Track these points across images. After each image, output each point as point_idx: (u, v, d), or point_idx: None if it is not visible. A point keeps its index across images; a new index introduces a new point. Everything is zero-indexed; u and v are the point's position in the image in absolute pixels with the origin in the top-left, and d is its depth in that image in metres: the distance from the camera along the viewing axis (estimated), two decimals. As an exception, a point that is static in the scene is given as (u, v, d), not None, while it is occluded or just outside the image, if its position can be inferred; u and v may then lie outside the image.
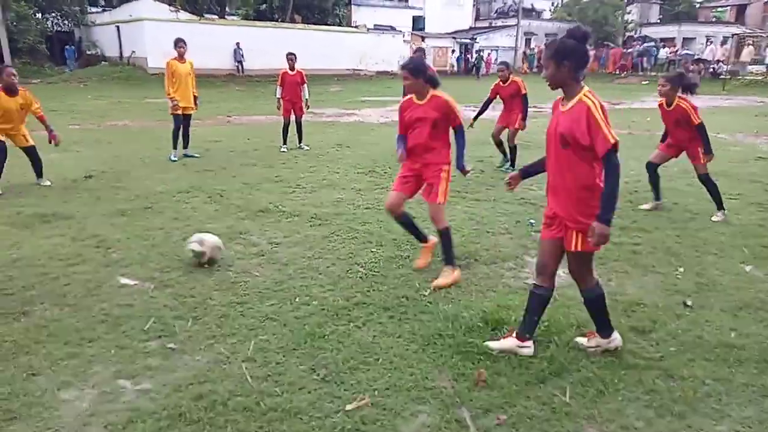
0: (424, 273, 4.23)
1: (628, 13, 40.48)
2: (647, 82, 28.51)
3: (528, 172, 3.24)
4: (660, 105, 5.85)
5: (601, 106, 2.67)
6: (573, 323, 3.43)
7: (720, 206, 5.70)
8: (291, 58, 9.28)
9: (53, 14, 30.68)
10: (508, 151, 7.92)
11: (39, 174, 6.85)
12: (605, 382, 2.87)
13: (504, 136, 7.96)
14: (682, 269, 4.40)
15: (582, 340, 3.19)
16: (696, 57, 30.94)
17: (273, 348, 3.16)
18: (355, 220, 5.54)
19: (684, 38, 37.84)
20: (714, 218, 5.64)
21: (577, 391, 2.80)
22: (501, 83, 7.72)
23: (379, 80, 29.68)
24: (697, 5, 46.42)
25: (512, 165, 7.80)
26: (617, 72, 32.34)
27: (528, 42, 40.21)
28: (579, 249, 2.85)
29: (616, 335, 3.11)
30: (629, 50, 33.05)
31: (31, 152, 6.73)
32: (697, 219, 5.72)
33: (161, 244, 4.78)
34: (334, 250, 4.70)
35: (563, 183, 2.83)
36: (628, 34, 39.66)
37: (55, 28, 30.94)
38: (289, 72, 9.30)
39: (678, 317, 3.60)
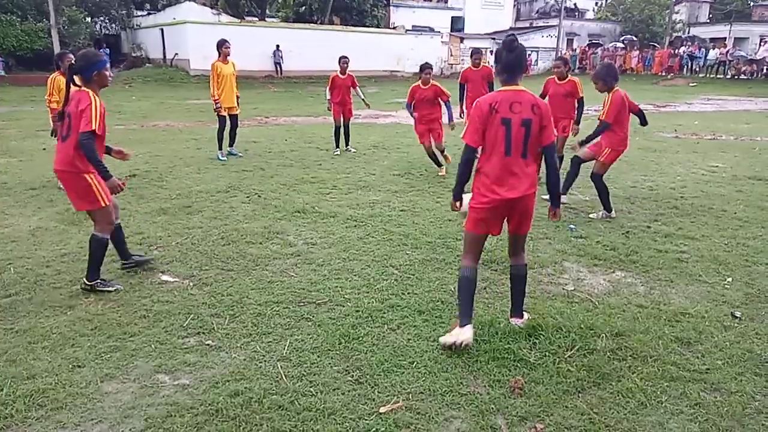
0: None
1: (676, 12, 39.12)
2: (695, 84, 27.58)
3: None
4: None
5: (477, 106, 3.13)
6: (615, 331, 3.33)
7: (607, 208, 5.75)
8: (345, 61, 9.23)
9: (101, 18, 31.87)
10: None
11: None
12: (647, 393, 2.78)
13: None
14: (730, 279, 4.22)
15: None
16: (749, 58, 29.72)
17: (308, 348, 3.18)
18: (391, 222, 5.54)
19: (736, 38, 36.35)
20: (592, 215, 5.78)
21: (618, 402, 2.72)
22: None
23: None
24: (751, 3, 44.52)
25: None
26: (663, 73, 31.37)
27: (570, 43, 39.44)
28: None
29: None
30: (677, 52, 31.97)
31: None
32: (746, 227, 5.48)
33: (200, 243, 4.88)
34: (369, 252, 4.70)
35: None
36: (675, 34, 38.40)
37: (103, 31, 32.13)
38: (340, 75, 9.23)
39: (725, 329, 3.45)
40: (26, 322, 3.43)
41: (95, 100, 3.73)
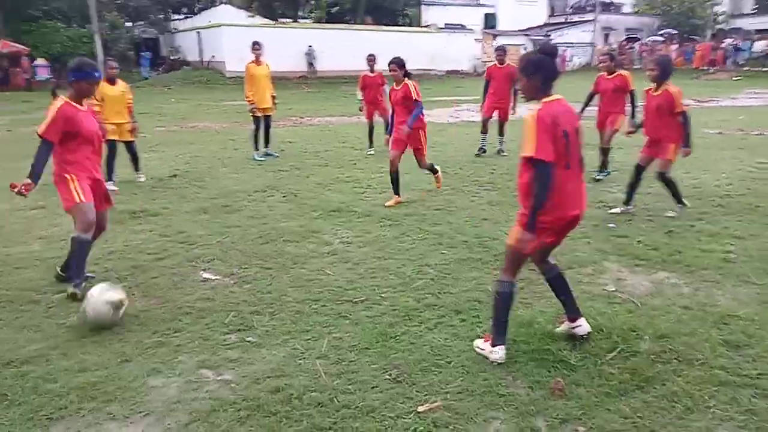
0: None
1: (718, 4, 37.72)
2: (739, 77, 26.56)
3: None
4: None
5: (540, 118, 2.73)
6: (658, 333, 3.25)
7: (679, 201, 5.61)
8: (371, 59, 9.12)
9: (141, 23, 32.81)
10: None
11: (137, 168, 7.38)
12: (694, 398, 2.70)
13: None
14: (781, 280, 4.06)
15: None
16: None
17: (346, 346, 3.21)
18: (425, 220, 5.53)
19: (783, 29, 34.84)
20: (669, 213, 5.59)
21: (662, 406, 2.65)
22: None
23: (450, 80, 29.43)
24: (801, -8, 42.60)
25: None
26: (705, 68, 30.32)
27: (606, 37, 38.53)
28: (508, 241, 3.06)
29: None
30: (721, 45, 30.85)
31: (131, 148, 7.21)
32: (798, 226, 5.26)
33: (239, 241, 4.98)
34: (405, 251, 4.71)
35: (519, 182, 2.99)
36: (717, 26, 37.06)
37: (142, 35, 33.08)
38: (369, 74, 9.16)
39: (777, 332, 3.32)
40: (77, 317, 3.56)
41: (56, 107, 3.68)
